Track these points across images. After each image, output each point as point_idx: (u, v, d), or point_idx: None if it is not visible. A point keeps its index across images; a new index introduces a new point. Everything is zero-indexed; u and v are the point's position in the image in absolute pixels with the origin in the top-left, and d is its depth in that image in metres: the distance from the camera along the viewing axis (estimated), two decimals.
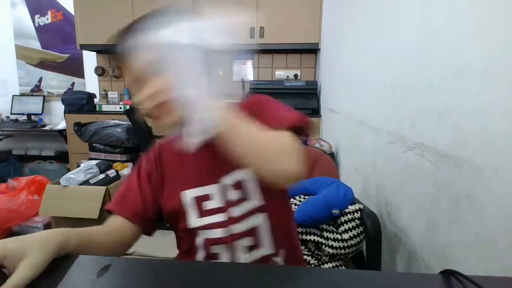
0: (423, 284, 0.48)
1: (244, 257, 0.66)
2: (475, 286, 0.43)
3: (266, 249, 0.67)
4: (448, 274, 0.48)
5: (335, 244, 1.12)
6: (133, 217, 0.67)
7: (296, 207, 1.20)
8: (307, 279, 0.47)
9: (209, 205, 0.67)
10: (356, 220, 1.12)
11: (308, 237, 1.15)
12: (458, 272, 0.46)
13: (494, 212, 0.66)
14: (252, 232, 0.66)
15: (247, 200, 0.66)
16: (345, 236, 1.11)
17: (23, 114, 3.62)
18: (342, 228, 1.13)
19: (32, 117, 3.62)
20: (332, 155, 2.07)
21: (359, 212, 1.13)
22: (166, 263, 0.58)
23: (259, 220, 0.66)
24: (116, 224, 0.67)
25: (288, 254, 0.70)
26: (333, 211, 1.13)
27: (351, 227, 1.12)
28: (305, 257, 1.18)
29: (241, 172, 0.66)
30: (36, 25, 3.69)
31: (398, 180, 1.14)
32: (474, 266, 0.71)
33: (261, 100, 0.70)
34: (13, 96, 3.66)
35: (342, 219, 1.14)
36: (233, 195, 0.66)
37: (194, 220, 0.67)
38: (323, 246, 1.13)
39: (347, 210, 1.14)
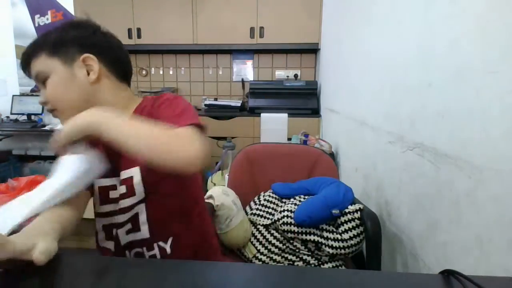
0: (423, 284, 0.48)
1: (124, 238, 0.75)
2: (475, 286, 0.43)
3: (142, 233, 0.74)
4: (448, 274, 0.48)
5: (335, 244, 1.11)
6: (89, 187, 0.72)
7: (296, 207, 1.20)
8: (307, 279, 0.47)
9: (111, 194, 0.74)
10: (356, 220, 1.12)
11: (308, 237, 1.15)
12: (458, 272, 0.46)
13: (494, 212, 0.66)
14: (132, 220, 0.74)
15: (133, 195, 0.72)
16: (345, 236, 1.11)
17: (23, 114, 3.62)
18: (342, 228, 1.13)
19: (32, 117, 3.62)
20: (332, 155, 2.07)
21: (359, 212, 1.12)
22: (166, 263, 0.58)
23: (139, 210, 0.73)
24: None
25: (177, 242, 0.76)
26: (333, 211, 1.13)
27: (351, 227, 1.12)
28: (305, 257, 1.17)
29: (133, 169, 0.71)
30: (36, 25, 3.69)
31: (398, 180, 1.14)
32: (474, 266, 0.71)
33: (167, 98, 0.73)
34: (13, 96, 3.65)
35: (342, 219, 1.14)
36: (123, 189, 0.72)
37: (97, 207, 0.76)
38: (323, 246, 1.13)
39: (347, 210, 1.14)
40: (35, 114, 3.61)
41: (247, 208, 1.38)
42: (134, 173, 0.71)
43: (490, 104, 0.67)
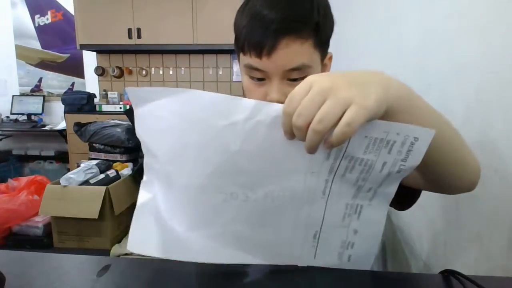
0: (423, 284, 0.48)
1: None
2: (475, 286, 0.43)
3: None
4: (448, 274, 0.48)
5: None
6: None
7: None
8: (307, 279, 0.47)
9: None
10: None
11: None
12: (458, 272, 0.46)
13: (494, 212, 0.65)
14: None
15: None
16: None
17: (23, 114, 3.62)
18: None
19: (32, 117, 3.62)
20: None
21: None
22: (166, 263, 0.58)
23: None
24: None
25: None
26: None
27: None
28: None
29: None
30: (36, 25, 3.69)
31: None
32: (474, 266, 0.71)
33: None
34: (13, 96, 3.66)
35: None
36: None
37: None
38: None
39: None
40: (35, 114, 3.62)
41: None
42: None
43: (490, 104, 0.67)
